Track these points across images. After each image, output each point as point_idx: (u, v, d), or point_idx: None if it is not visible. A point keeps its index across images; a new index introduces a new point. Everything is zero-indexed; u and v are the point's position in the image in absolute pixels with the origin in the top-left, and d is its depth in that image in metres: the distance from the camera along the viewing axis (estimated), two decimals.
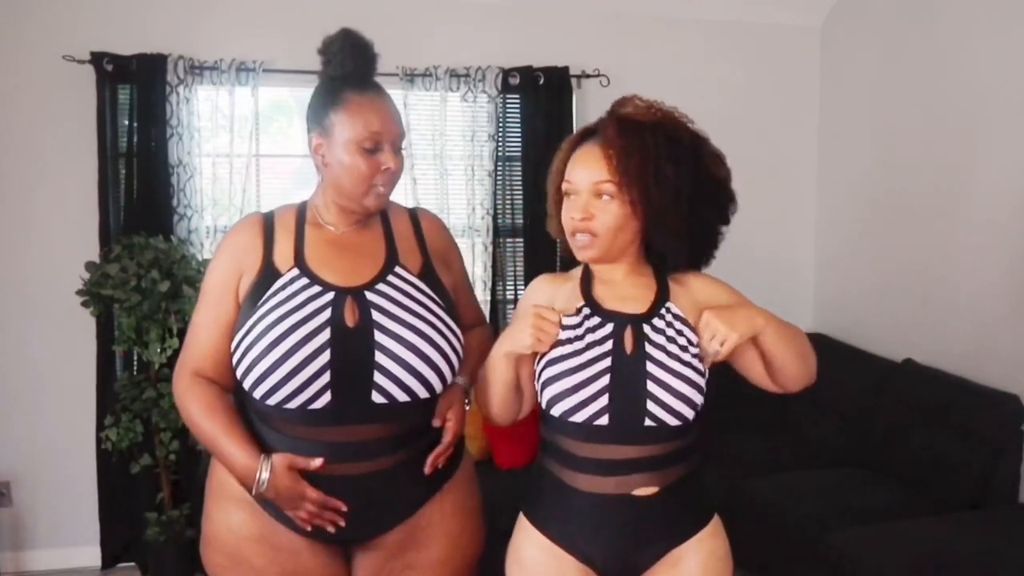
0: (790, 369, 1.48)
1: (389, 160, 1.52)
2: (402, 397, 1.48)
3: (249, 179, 3.40)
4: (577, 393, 1.42)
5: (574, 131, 3.55)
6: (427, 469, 1.53)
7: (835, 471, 3.17)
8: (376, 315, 1.47)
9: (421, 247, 1.62)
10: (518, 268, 3.73)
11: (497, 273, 3.69)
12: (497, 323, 3.66)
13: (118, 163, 3.30)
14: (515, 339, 1.45)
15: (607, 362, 1.43)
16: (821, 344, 3.73)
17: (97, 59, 3.21)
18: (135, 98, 3.27)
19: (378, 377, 1.45)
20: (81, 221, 3.29)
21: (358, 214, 1.58)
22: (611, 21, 3.78)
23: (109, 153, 3.26)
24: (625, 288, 1.50)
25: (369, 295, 1.49)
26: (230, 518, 1.53)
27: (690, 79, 3.86)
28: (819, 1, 3.92)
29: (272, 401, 1.45)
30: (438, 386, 1.52)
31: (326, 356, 1.43)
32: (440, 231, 1.70)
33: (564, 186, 1.48)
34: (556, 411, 1.45)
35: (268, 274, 1.51)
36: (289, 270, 1.51)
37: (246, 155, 3.39)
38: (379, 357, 1.45)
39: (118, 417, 3.09)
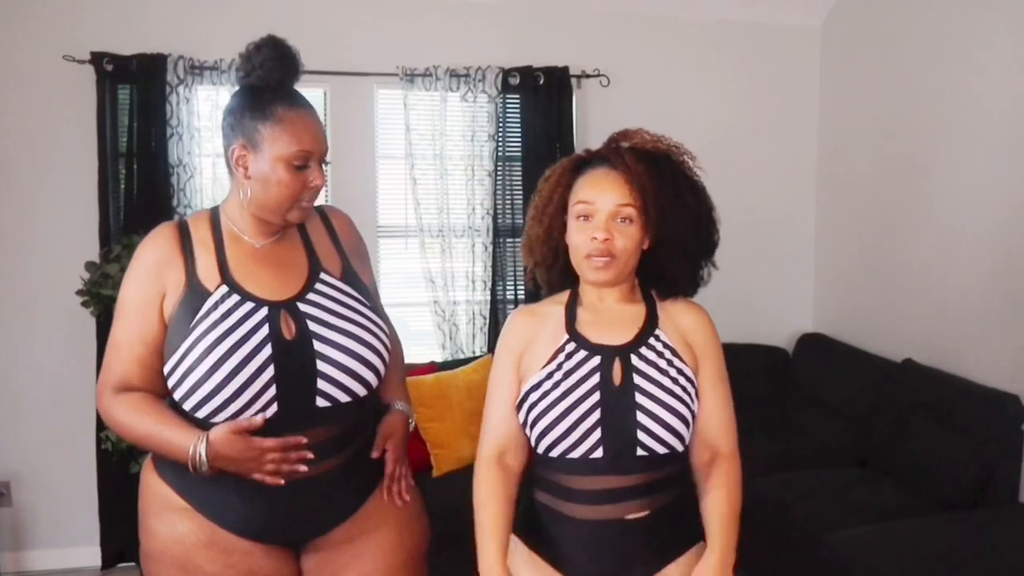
0: None
1: (316, 177, 1.55)
2: (344, 398, 1.53)
3: None
4: (572, 433, 1.45)
5: (574, 131, 3.68)
6: (374, 456, 1.60)
7: (835, 471, 3.17)
8: (312, 325, 1.52)
9: (338, 248, 1.66)
10: (518, 268, 3.73)
11: (497, 273, 3.69)
12: (497, 323, 3.66)
13: (118, 163, 3.30)
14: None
15: (596, 396, 1.45)
16: (821, 344, 3.81)
17: (97, 59, 3.22)
18: (135, 98, 3.27)
19: (321, 384, 1.50)
20: (81, 221, 3.29)
21: (277, 226, 1.59)
22: (611, 21, 3.78)
23: (109, 153, 3.26)
24: (614, 315, 1.53)
25: (302, 306, 1.53)
26: (175, 529, 1.52)
27: (690, 79, 3.87)
28: (819, 1, 3.92)
29: (218, 419, 1.46)
30: (374, 382, 1.57)
31: (271, 371, 1.46)
32: (351, 229, 1.73)
33: (580, 208, 1.49)
34: (555, 453, 1.47)
35: (194, 292, 1.51)
36: (217, 287, 1.51)
37: None
38: (320, 365, 1.50)
39: None
